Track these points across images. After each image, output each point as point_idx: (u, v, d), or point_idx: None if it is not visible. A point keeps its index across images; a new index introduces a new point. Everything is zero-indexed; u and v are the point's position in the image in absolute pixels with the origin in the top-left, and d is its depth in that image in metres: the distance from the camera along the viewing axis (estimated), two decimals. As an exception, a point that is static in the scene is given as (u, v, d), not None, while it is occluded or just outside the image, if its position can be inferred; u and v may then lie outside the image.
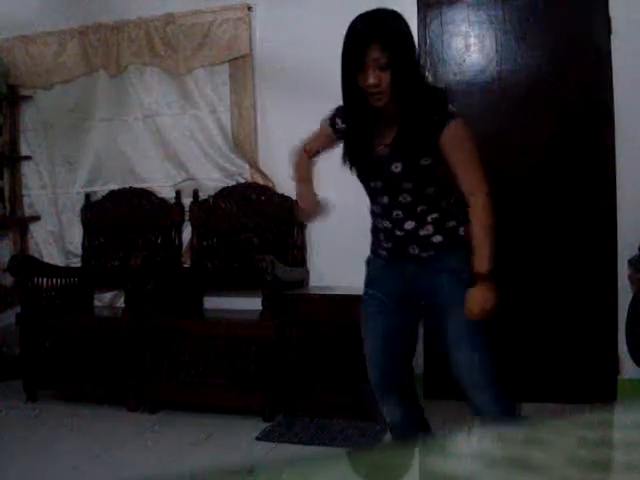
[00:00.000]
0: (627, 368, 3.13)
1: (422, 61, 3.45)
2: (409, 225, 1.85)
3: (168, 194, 3.91)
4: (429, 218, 1.85)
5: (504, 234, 3.34)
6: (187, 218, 3.87)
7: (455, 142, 1.74)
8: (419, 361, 3.30)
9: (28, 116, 4.20)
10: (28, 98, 4.18)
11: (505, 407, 1.82)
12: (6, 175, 4.24)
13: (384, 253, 1.95)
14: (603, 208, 3.24)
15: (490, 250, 1.78)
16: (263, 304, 3.22)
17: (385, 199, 1.86)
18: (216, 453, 2.75)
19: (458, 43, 3.42)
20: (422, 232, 1.85)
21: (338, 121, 1.89)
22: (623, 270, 3.16)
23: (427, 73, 3.45)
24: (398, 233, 1.88)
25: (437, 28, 3.45)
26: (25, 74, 4.15)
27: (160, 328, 3.32)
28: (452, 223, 1.87)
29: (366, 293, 2.01)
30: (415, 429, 2.03)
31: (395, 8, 1.77)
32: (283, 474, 0.54)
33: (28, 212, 4.25)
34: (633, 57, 3.13)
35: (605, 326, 3.23)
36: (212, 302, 3.79)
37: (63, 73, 4.07)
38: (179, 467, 2.57)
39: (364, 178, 1.89)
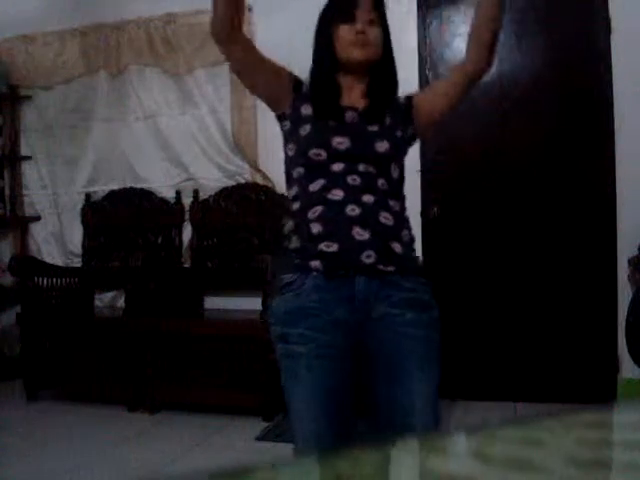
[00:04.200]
0: (627, 368, 3.13)
1: (422, 61, 3.46)
2: (367, 198, 1.40)
3: (168, 194, 3.91)
4: (390, 202, 1.43)
5: (504, 234, 3.36)
6: (187, 218, 3.87)
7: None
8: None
9: (28, 116, 4.20)
10: (28, 98, 4.17)
11: None
12: (6, 175, 4.25)
13: (318, 265, 1.39)
14: (603, 208, 3.24)
15: None
16: (263, 304, 3.22)
17: (340, 166, 1.42)
18: (216, 453, 2.75)
19: (458, 43, 3.42)
20: (382, 218, 1.40)
21: (303, 87, 1.64)
22: (623, 270, 3.17)
23: (427, 73, 3.45)
24: (350, 212, 1.38)
25: (437, 28, 3.45)
26: (25, 74, 4.15)
27: (160, 328, 3.32)
28: (407, 235, 1.47)
29: (287, 334, 1.42)
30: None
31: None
32: (283, 474, 0.54)
33: (28, 212, 4.25)
34: (633, 57, 3.13)
35: (605, 326, 3.24)
36: (212, 302, 3.79)
37: (63, 73, 4.07)
38: (179, 467, 2.57)
39: (325, 138, 1.45)
